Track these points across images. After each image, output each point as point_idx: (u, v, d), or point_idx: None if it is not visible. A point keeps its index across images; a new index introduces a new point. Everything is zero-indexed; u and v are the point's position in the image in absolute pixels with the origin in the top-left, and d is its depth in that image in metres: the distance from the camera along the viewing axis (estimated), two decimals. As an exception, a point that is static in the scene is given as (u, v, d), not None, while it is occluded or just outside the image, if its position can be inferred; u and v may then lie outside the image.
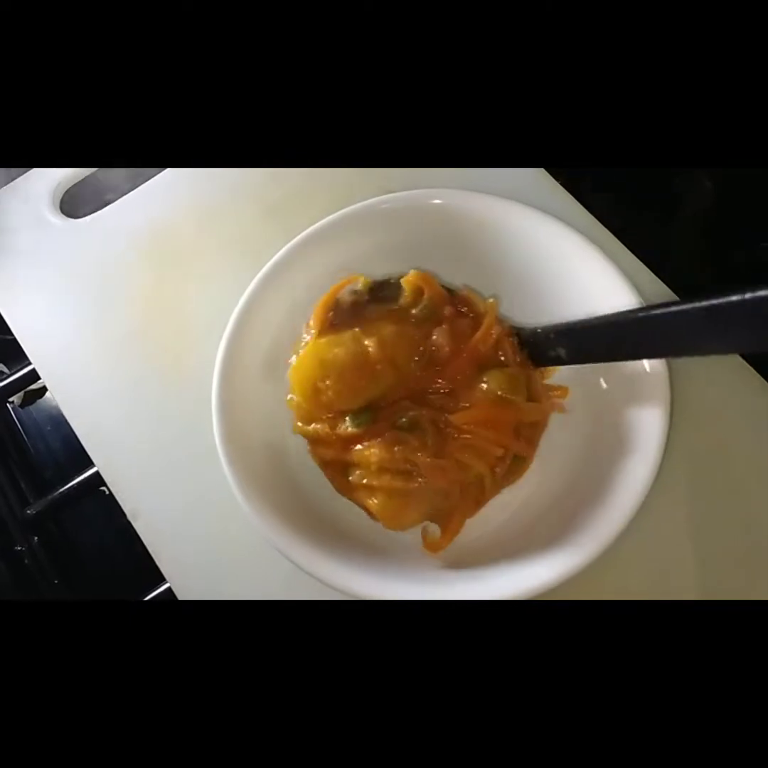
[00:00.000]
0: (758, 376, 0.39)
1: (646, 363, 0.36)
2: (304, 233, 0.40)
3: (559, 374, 0.40)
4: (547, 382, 0.40)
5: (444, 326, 0.37)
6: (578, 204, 0.44)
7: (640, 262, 0.42)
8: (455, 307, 0.39)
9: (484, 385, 0.36)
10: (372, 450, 0.34)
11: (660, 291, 0.41)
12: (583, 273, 0.39)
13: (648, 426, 0.35)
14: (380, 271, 0.41)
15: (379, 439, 0.34)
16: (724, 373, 0.40)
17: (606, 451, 0.36)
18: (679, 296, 0.41)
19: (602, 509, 0.34)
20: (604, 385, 0.38)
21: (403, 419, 0.35)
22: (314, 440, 0.37)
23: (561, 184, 0.45)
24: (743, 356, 0.40)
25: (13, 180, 0.50)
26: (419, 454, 0.34)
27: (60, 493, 0.44)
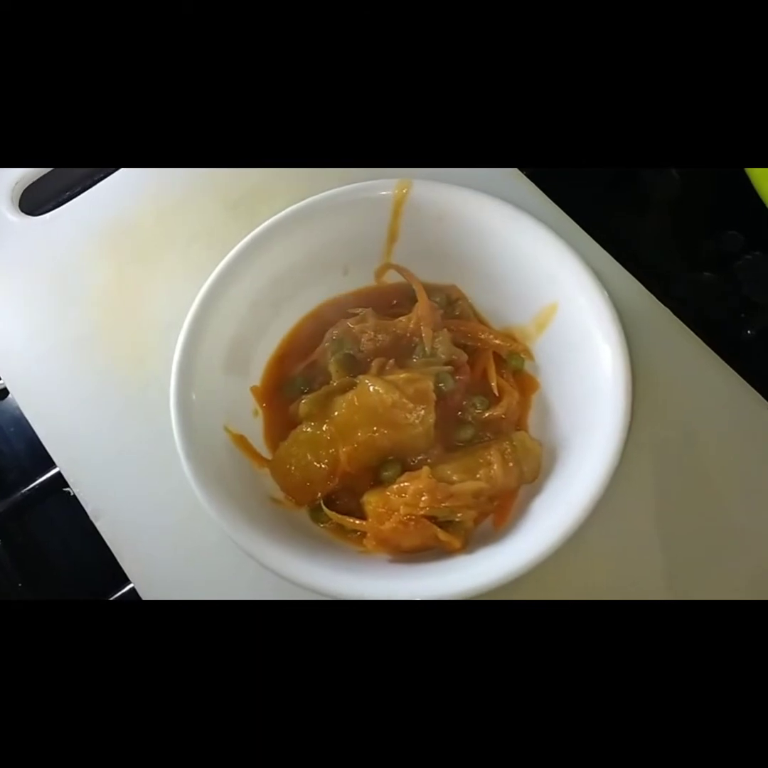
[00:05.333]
0: (726, 365, 0.39)
1: (609, 366, 0.36)
2: (263, 225, 0.40)
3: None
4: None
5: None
6: (545, 196, 0.44)
7: (607, 253, 0.42)
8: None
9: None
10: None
11: (628, 283, 0.41)
12: (542, 261, 0.39)
13: (608, 417, 0.35)
14: (342, 261, 0.41)
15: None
16: (690, 363, 0.40)
17: (565, 445, 0.37)
18: (646, 287, 0.41)
19: (559, 503, 0.34)
20: (566, 380, 0.39)
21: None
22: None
23: (527, 176, 0.45)
24: (710, 346, 0.40)
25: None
26: None
27: (22, 494, 0.44)
